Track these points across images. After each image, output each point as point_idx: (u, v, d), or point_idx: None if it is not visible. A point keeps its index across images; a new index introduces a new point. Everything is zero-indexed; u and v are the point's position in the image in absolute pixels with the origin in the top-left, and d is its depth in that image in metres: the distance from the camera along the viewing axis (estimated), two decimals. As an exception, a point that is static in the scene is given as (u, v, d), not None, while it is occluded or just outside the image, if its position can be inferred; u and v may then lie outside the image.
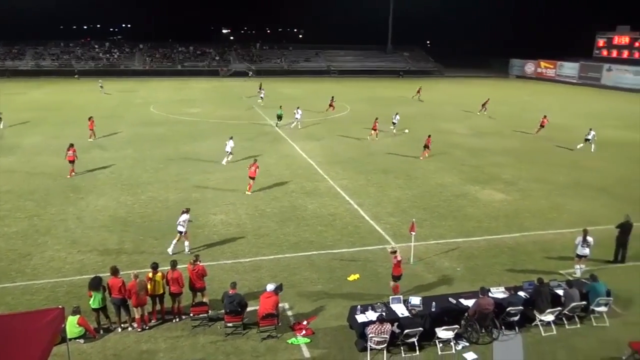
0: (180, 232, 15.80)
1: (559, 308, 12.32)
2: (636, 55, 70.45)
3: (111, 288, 11.83)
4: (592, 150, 30.73)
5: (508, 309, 12.00)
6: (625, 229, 15.73)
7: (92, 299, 11.75)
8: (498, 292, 12.64)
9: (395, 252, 13.37)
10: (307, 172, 25.25)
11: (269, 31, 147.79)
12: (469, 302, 12.07)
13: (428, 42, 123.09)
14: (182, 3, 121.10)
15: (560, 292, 12.68)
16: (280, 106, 37.94)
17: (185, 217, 15.85)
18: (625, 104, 54.31)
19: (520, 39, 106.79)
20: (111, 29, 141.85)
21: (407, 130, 35.55)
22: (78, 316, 11.33)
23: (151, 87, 61.33)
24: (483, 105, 44.65)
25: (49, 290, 13.60)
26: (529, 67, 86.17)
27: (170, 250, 15.82)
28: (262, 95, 49.64)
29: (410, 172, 25.61)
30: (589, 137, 31.01)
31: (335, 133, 34.89)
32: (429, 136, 29.02)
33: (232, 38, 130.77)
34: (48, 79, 69.08)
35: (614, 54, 73.88)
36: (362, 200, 21.27)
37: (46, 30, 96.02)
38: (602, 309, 12.58)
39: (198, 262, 12.75)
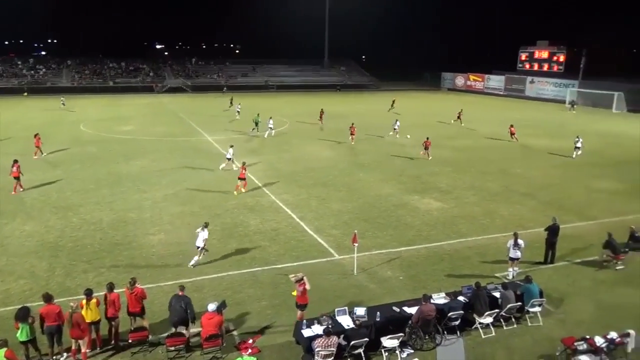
0: (199, 248, 16.12)
1: (497, 310, 12.82)
2: (555, 68, 75.54)
3: (45, 316, 11.08)
4: (575, 156, 32.80)
5: (449, 314, 12.35)
6: (553, 231, 16.65)
7: (19, 331, 10.94)
8: (439, 298, 12.99)
9: (300, 279, 12.51)
10: (248, 188, 24.98)
11: (204, 46, 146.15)
12: (412, 310, 12.31)
13: (363, 56, 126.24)
14: (113, 18, 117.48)
15: (497, 294, 13.20)
16: (258, 114, 40.51)
17: (204, 233, 16.07)
18: (546, 113, 57.95)
19: (451, 54, 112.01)
20: (35, 45, 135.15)
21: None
22: (5, 349, 10.49)
23: (81, 104, 58.73)
24: (458, 116, 46.79)
25: (-30, 325, 12.55)
26: (459, 80, 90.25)
27: (191, 264, 16.10)
28: (238, 109, 49.46)
29: (350, 184, 25.95)
30: (578, 144, 33.17)
31: (276, 148, 34.84)
32: (427, 138, 32.13)
33: (166, 53, 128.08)
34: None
35: (535, 67, 78.81)
36: (304, 214, 21.29)
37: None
38: (536, 309, 13.21)
39: (136, 285, 12.22)
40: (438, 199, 23.56)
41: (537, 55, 78.82)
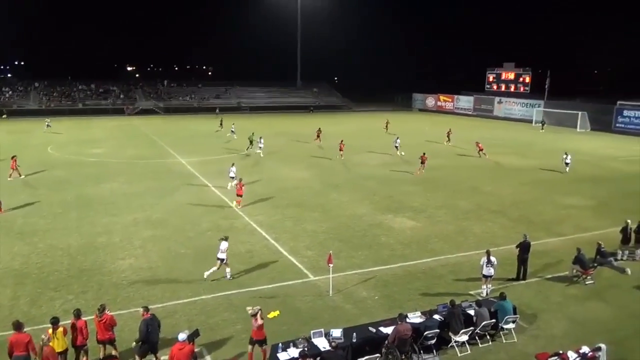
0: (221, 260, 16.23)
1: (472, 328, 12.88)
2: (521, 89, 77.87)
3: (14, 345, 10.58)
4: (567, 171, 34.59)
5: (425, 332, 12.33)
6: (524, 247, 16.93)
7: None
8: (415, 317, 12.98)
9: (256, 314, 11.82)
10: (222, 210, 24.72)
11: (176, 68, 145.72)
12: (388, 330, 12.25)
13: (335, 78, 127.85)
14: (82, 40, 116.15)
15: (471, 312, 13.28)
16: (253, 132, 42.27)
17: (224, 245, 16.31)
18: (514, 132, 59.46)
19: (422, 75, 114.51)
20: (1, 67, 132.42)
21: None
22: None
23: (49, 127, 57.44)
24: (447, 135, 48.00)
25: None
26: (430, 100, 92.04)
27: (206, 274, 16.30)
28: (232, 129, 49.94)
29: (324, 204, 25.95)
30: (568, 160, 34.97)
31: (249, 169, 34.68)
32: (424, 154, 33.89)
33: (137, 75, 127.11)
34: None
35: (503, 87, 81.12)
36: (279, 235, 21.14)
37: None
38: (510, 325, 13.33)
39: (105, 312, 11.84)
40: (411, 218, 23.74)
41: (504, 76, 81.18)
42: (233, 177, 27.79)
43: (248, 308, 12.29)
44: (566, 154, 35.37)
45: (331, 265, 15.53)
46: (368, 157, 39.44)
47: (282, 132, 55.40)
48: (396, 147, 40.98)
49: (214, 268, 16.41)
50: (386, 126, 57.38)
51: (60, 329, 11.23)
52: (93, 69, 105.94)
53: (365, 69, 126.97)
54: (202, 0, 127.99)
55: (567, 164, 35.04)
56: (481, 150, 40.30)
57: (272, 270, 17.49)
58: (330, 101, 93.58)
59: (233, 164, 29.45)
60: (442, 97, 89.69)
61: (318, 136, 46.43)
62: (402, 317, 12.26)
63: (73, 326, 11.39)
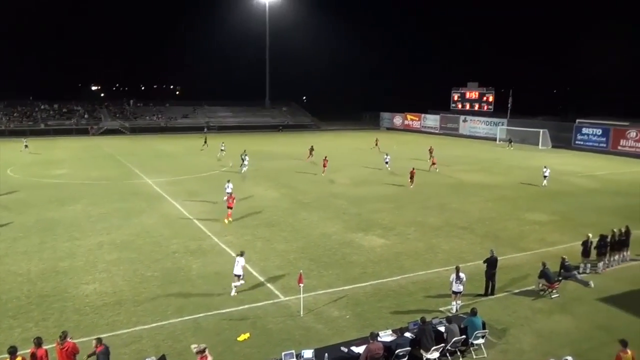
0: (238, 276, 16.88)
1: (442, 344, 12.94)
2: (485, 107, 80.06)
3: None
4: (545, 184, 36.62)
5: (397, 351, 12.32)
6: (491, 263, 17.22)
7: None
8: (386, 336, 12.96)
9: (203, 351, 11.18)
10: (190, 231, 24.30)
11: (143, 88, 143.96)
12: (360, 349, 12.18)
13: (304, 97, 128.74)
14: (43, 59, 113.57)
15: (442, 328, 13.36)
16: (245, 150, 43.18)
17: (242, 260, 16.95)
18: (478, 151, 60.91)
19: (389, 94, 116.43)
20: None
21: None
22: None
23: (8, 147, 55.69)
24: (431, 154, 48.33)
25: None
26: (397, 119, 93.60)
27: (232, 294, 16.86)
28: (222, 148, 50.31)
29: (294, 224, 25.85)
30: (546, 174, 37.06)
31: (217, 189, 34.27)
32: (413, 168, 36.02)
33: (102, 95, 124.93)
34: None
35: (467, 106, 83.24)
36: (249, 255, 20.80)
37: None
38: (480, 341, 13.46)
39: (67, 339, 11.38)
40: (381, 236, 23.86)
41: (468, 95, 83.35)
42: (230, 193, 27.53)
43: (193, 346, 11.78)
44: (545, 167, 37.81)
45: (302, 285, 15.42)
46: (337, 176, 39.62)
47: (251, 152, 55.07)
48: (386, 162, 43.20)
49: (237, 283, 17.02)
50: (376, 143, 58.40)
51: (19, 359, 10.73)
52: (56, 88, 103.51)
53: (334, 89, 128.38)
54: (168, 19, 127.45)
55: (545, 177, 37.04)
56: (434, 164, 42.69)
57: (241, 292, 17.19)
58: (299, 120, 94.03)
59: (229, 180, 29.65)
60: (409, 116, 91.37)
61: (311, 153, 47.65)
62: (374, 335, 12.23)
63: (33, 355, 10.90)
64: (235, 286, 16.90)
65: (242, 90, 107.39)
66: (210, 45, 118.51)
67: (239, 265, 16.79)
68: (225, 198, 26.39)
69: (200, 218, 26.53)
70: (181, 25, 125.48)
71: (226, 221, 25.49)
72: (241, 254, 17.16)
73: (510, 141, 64.75)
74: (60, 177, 38.10)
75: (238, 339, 14.01)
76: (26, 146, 53.29)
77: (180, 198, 31.12)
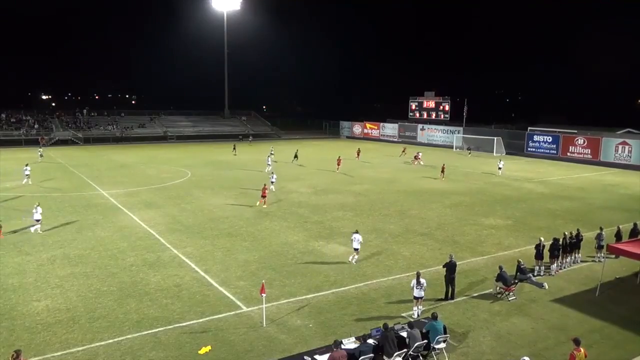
0: (356, 249, 20.97)
1: (405, 350, 13.05)
2: (441, 116, 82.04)
3: None
4: (500, 173, 45.54)
5: (360, 358, 12.33)
6: (450, 267, 17.55)
7: None
8: (349, 343, 12.96)
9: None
10: (148, 243, 23.66)
11: (97, 97, 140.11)
12: (324, 358, 12.12)
13: (264, 106, 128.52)
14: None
15: (404, 334, 13.47)
16: (297, 149, 51.72)
17: (359, 236, 21.12)
18: (436, 158, 62.18)
19: (348, 104, 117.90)
20: None
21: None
22: None
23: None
24: (415, 157, 53.78)
25: None
26: (357, 128, 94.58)
27: (353, 260, 20.80)
28: (271, 152, 53.38)
29: (256, 233, 25.60)
30: (500, 166, 46.54)
31: (176, 199, 33.64)
32: (444, 164, 42.23)
33: (53, 104, 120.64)
34: None
35: (425, 115, 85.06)
36: (209, 266, 20.52)
37: None
38: (441, 345, 13.64)
39: (20, 358, 10.82)
40: (343, 244, 23.93)
41: (425, 104, 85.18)
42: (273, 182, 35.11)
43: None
44: (500, 160, 46.32)
45: (264, 295, 15.27)
46: (299, 185, 39.58)
47: (210, 162, 54.49)
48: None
49: (354, 256, 20.99)
50: (358, 154, 58.50)
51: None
52: (3, 97, 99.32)
53: (294, 98, 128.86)
54: (124, 27, 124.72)
55: (499, 168, 45.84)
56: (339, 164, 47.04)
57: (202, 304, 16.87)
58: (259, 130, 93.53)
59: (273, 173, 37.81)
60: (368, 125, 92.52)
61: (339, 163, 48.16)
62: (337, 343, 12.20)
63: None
64: (354, 258, 20.99)
65: (200, 100, 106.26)
66: (168, 54, 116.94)
67: (357, 240, 20.78)
68: (265, 186, 32.01)
69: (159, 229, 25.90)
70: (137, 33, 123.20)
71: (258, 204, 31.15)
72: (356, 232, 21.29)
73: (469, 149, 66.87)
74: (7, 190, 36.40)
75: (199, 352, 13.70)
76: (41, 155, 53.23)
77: (137, 209, 30.29)
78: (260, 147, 65.51)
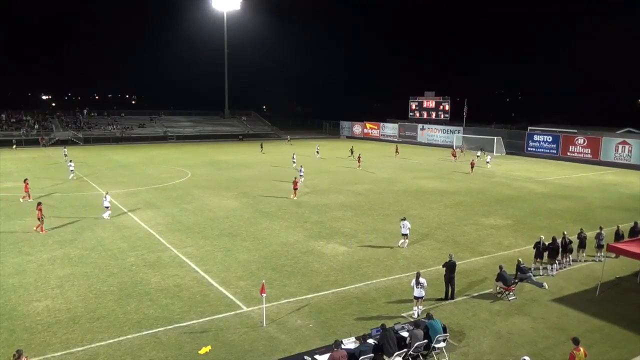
0: (405, 235, 23.05)
1: (405, 349, 13.05)
2: (441, 116, 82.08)
3: None
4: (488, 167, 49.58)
5: (360, 358, 12.34)
6: (450, 267, 17.55)
7: None
8: (349, 343, 12.97)
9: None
10: (148, 243, 23.68)
11: (97, 97, 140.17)
12: (324, 358, 12.14)
13: (264, 106, 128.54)
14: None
15: (404, 334, 13.48)
16: (293, 154, 51.67)
17: (407, 223, 23.15)
18: (436, 158, 62.25)
19: (349, 104, 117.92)
20: None
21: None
22: None
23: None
24: (396, 151, 60.41)
25: None
26: (357, 128, 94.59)
27: (403, 244, 22.84)
28: (317, 150, 59.74)
29: (256, 233, 25.61)
30: (488, 160, 50.65)
31: (176, 199, 33.65)
32: (473, 160, 45.65)
33: (53, 104, 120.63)
34: None
35: (425, 115, 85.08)
36: (209, 266, 20.53)
37: None
38: (441, 344, 13.65)
39: (22, 358, 10.84)
40: (343, 244, 23.95)
41: (425, 104, 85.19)
42: (300, 175, 38.32)
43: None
44: (488, 154, 50.24)
45: (264, 295, 15.27)
46: (299, 185, 39.50)
47: (211, 162, 54.51)
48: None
49: (404, 241, 22.98)
50: (351, 152, 58.29)
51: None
52: (3, 97, 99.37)
53: (294, 98, 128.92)
54: (124, 28, 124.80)
55: (487, 162, 49.84)
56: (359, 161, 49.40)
57: (202, 304, 16.88)
58: (259, 130, 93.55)
59: (302, 166, 41.29)
60: (368, 125, 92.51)
61: (359, 160, 50.29)
62: (338, 343, 12.21)
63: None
64: (405, 243, 22.95)
65: (200, 100, 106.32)
66: (168, 54, 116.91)
67: (406, 227, 22.57)
68: (295, 179, 34.73)
69: (159, 229, 25.91)
70: (137, 33, 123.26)
71: (291, 196, 33.44)
72: (404, 219, 22.90)
73: (481, 149, 64.13)
74: (7, 190, 36.43)
75: (199, 352, 13.71)
76: (66, 155, 53.87)
77: (137, 209, 30.30)
78: (255, 147, 65.54)
